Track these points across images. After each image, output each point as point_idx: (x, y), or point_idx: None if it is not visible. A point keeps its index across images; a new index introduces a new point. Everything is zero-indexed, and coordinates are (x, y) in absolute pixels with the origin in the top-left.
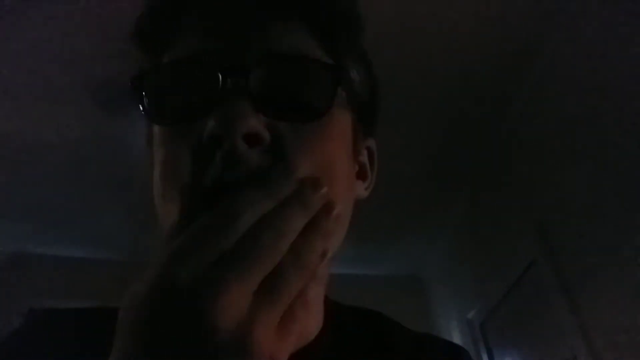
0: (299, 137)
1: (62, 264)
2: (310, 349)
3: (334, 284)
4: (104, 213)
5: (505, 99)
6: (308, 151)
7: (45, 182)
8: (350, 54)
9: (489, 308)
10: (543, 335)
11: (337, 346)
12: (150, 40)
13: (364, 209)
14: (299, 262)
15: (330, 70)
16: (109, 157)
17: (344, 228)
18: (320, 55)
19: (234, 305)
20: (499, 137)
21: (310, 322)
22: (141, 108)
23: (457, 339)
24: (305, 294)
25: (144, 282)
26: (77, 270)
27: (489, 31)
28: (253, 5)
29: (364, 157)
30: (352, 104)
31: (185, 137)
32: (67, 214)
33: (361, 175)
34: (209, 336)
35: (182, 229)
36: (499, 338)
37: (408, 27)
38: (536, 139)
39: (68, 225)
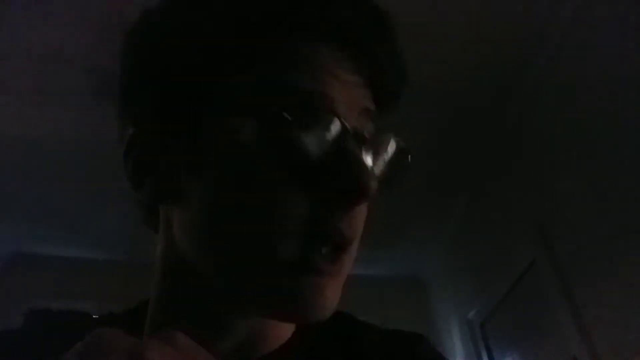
0: None
1: (62, 264)
2: (279, 353)
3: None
4: (103, 213)
5: (506, 99)
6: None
7: (45, 182)
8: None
9: (489, 308)
10: (543, 335)
11: (306, 350)
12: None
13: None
14: None
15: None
16: (109, 157)
17: None
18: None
19: None
20: (499, 137)
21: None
22: None
23: (457, 339)
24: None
25: None
26: (77, 270)
27: (489, 30)
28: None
29: None
30: None
31: (304, 179)
32: (66, 214)
33: None
34: None
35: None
36: (499, 338)
37: (406, 25)
38: (536, 139)
39: (68, 225)
